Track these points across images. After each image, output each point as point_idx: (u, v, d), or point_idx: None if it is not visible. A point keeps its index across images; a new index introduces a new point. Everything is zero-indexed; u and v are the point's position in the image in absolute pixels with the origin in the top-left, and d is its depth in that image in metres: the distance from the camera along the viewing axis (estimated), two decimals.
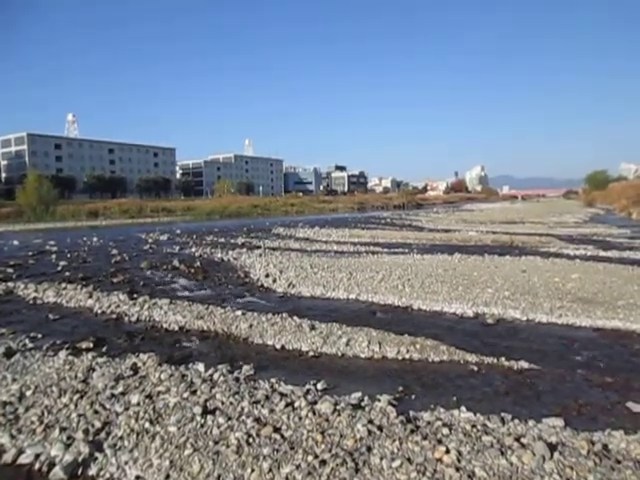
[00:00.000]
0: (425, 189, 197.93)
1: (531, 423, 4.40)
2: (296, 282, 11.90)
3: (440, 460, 3.71)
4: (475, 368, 6.14)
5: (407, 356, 6.60)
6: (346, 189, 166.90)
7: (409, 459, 3.75)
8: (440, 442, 3.98)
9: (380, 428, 4.28)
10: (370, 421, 4.40)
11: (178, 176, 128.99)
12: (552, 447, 3.85)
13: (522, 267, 12.96)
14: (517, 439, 4.02)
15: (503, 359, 6.32)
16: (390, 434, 4.16)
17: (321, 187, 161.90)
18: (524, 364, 6.15)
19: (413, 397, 5.32)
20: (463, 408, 4.75)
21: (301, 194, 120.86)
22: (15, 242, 26.79)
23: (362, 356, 6.73)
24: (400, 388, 5.52)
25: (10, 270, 15.71)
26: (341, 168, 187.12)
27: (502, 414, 4.62)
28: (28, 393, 5.48)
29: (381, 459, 3.77)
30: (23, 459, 4.27)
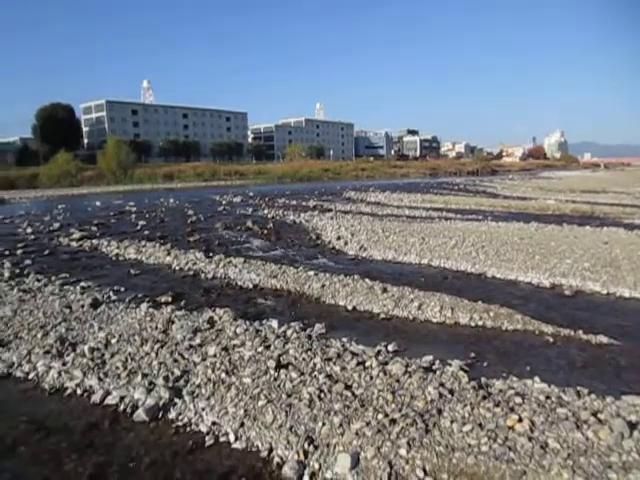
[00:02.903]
0: (500, 155, 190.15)
1: (609, 399, 4.20)
2: (367, 245, 11.92)
3: (512, 428, 3.65)
4: (550, 339, 5.96)
5: (480, 323, 6.50)
6: (418, 154, 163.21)
7: (480, 425, 3.72)
8: (512, 410, 3.92)
9: (451, 392, 4.26)
10: (441, 384, 4.39)
11: (250, 140, 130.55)
12: (632, 425, 3.66)
13: (604, 238, 12.27)
14: (594, 414, 3.87)
15: (581, 332, 6.09)
16: (461, 399, 4.14)
17: (392, 152, 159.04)
18: (603, 339, 5.89)
19: (485, 364, 5.25)
20: (537, 378, 4.63)
21: (372, 159, 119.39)
22: (98, 203, 28.39)
23: (434, 321, 6.70)
24: (472, 354, 5.46)
25: (94, 229, 16.74)
26: (413, 132, 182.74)
27: (578, 388, 4.45)
28: (113, 341, 5.86)
29: (452, 422, 3.76)
30: (109, 400, 4.61)
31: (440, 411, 3.94)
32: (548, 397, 4.20)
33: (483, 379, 4.63)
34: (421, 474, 3.27)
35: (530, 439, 3.50)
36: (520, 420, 3.74)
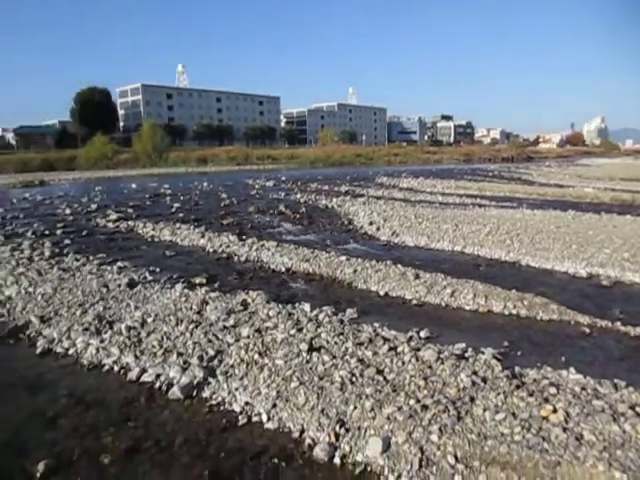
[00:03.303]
0: (537, 142, 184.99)
1: None
2: (400, 231, 11.87)
3: (546, 418, 3.60)
4: (587, 330, 5.84)
5: (514, 312, 6.41)
6: (452, 140, 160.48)
7: (513, 414, 3.69)
8: (547, 401, 3.86)
9: (484, 380, 4.23)
10: (474, 372, 4.36)
11: (282, 124, 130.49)
12: None
13: None
14: (632, 407, 3.78)
15: (618, 324, 5.95)
16: (494, 387, 4.10)
17: (426, 137, 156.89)
18: None
19: (519, 353, 5.19)
20: (572, 369, 4.55)
21: (405, 144, 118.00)
22: (133, 185, 28.96)
23: (467, 308, 6.65)
24: (505, 343, 5.40)
25: (130, 210, 17.10)
26: (447, 118, 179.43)
27: (615, 380, 4.35)
28: (149, 320, 6.00)
29: (484, 410, 3.74)
30: (145, 378, 4.74)
31: (473, 399, 3.92)
32: (584, 388, 4.13)
33: (517, 368, 4.57)
34: (452, 461, 3.27)
35: (565, 430, 3.45)
36: (555, 411, 3.69)
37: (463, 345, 5.12)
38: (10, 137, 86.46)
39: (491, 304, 6.62)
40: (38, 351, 5.44)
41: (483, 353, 4.90)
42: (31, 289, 7.35)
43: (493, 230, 11.32)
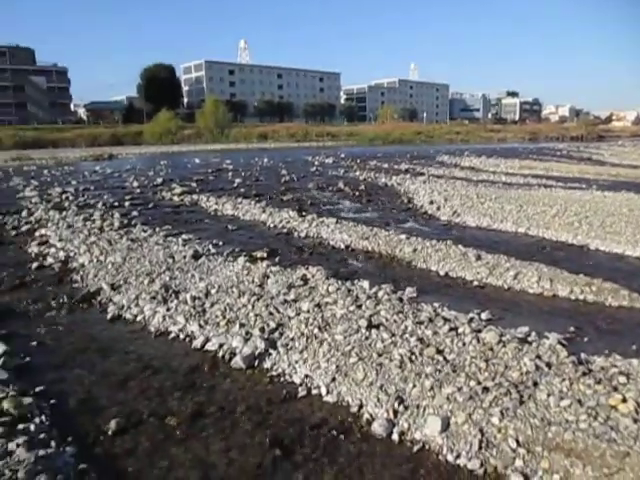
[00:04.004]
0: (609, 119, 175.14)
1: None
2: (461, 211, 11.63)
3: (615, 408, 3.47)
4: None
5: (581, 297, 6.18)
6: (517, 117, 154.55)
7: (579, 401, 3.57)
8: (616, 390, 3.72)
9: (548, 365, 4.11)
10: (538, 356, 4.24)
11: (342, 101, 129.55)
12: None
13: None
14: None
15: None
16: (559, 373, 3.98)
17: (489, 115, 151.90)
18: None
19: (585, 340, 5.01)
20: None
21: (467, 122, 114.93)
22: (197, 160, 29.70)
23: (530, 291, 6.45)
24: (571, 329, 5.21)
25: (194, 184, 17.59)
26: (512, 94, 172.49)
27: None
28: (213, 291, 6.18)
29: (548, 396, 3.64)
30: (209, 346, 4.90)
31: (536, 383, 3.83)
32: None
33: (583, 355, 4.42)
34: (514, 444, 3.22)
35: (635, 421, 3.32)
36: (624, 400, 3.54)
37: (526, 329, 4.98)
38: (82, 112, 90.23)
39: (556, 288, 6.40)
40: (109, 316, 5.73)
41: (547, 338, 4.75)
42: (102, 257, 7.71)
43: (560, 212, 10.89)
